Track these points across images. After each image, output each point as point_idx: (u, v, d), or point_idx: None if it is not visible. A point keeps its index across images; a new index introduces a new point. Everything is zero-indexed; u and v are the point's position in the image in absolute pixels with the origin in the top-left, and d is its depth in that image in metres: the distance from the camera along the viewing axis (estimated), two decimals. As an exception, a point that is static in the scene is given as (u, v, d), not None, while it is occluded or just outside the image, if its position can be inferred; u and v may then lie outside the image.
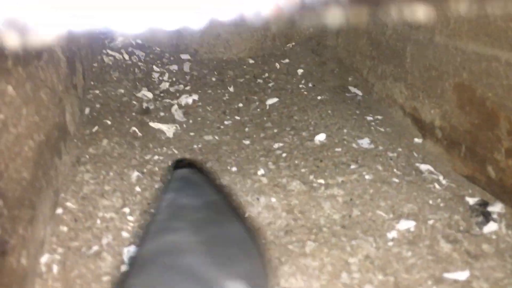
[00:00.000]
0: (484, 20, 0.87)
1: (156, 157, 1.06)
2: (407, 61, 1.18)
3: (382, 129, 1.22)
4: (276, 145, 1.15)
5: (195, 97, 1.39)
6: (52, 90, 0.84)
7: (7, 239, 0.56)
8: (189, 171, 0.81)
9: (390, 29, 1.28)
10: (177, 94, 1.40)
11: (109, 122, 1.13)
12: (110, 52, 1.43)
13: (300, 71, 1.57)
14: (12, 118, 0.62)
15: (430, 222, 0.82)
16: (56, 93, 0.88)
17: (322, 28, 1.70)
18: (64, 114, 0.93)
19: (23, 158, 0.64)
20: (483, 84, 0.89)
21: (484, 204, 0.87)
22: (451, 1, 0.96)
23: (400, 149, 1.10)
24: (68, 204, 0.82)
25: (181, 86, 1.46)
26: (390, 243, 0.78)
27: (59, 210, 0.80)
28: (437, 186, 0.95)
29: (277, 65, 1.61)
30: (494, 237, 0.79)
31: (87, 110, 1.17)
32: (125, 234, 0.79)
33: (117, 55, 1.44)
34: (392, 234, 0.80)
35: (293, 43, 1.71)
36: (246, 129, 1.26)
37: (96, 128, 1.08)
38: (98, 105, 1.21)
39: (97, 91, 1.26)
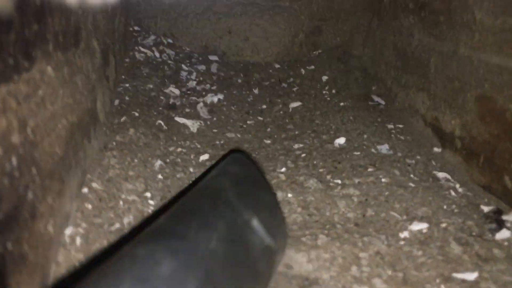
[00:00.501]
0: (509, 34, 0.89)
1: (179, 149, 1.10)
2: (430, 71, 1.20)
3: (402, 137, 1.23)
4: (296, 146, 1.18)
5: (221, 96, 1.43)
6: (86, 77, 0.89)
7: (37, 205, 0.59)
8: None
9: (416, 40, 1.30)
10: (203, 93, 1.44)
11: (136, 114, 1.18)
12: (142, 49, 1.49)
13: (324, 77, 1.60)
14: (50, 96, 0.66)
15: (443, 225, 0.83)
16: (90, 81, 0.92)
17: (349, 37, 1.73)
18: (95, 101, 0.98)
19: (56, 135, 0.68)
20: (504, 95, 0.90)
21: (498, 212, 0.88)
22: (477, 15, 0.98)
23: (418, 157, 1.12)
24: (94, 184, 0.86)
25: (208, 85, 1.50)
26: (402, 242, 0.80)
27: (85, 189, 0.84)
28: (453, 193, 0.96)
29: (303, 71, 1.64)
30: (506, 243, 0.79)
31: (116, 102, 1.22)
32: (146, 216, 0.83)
33: (149, 52, 1.50)
34: (404, 234, 0.82)
35: (320, 51, 1.74)
36: (268, 129, 1.29)
37: (124, 118, 1.13)
38: (127, 98, 1.25)
39: (127, 85, 1.31)
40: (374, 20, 1.63)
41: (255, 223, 0.58)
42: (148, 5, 1.61)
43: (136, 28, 1.56)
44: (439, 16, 1.16)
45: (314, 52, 1.74)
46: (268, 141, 1.22)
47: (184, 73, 1.52)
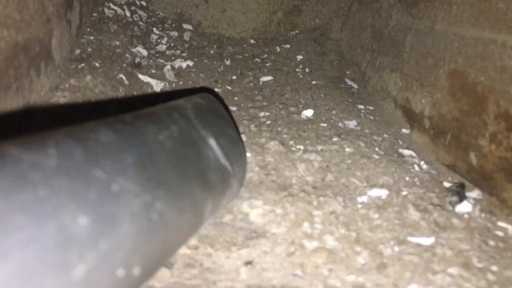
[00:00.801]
0: (486, 4, 0.86)
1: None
2: (405, 50, 1.17)
3: (371, 117, 1.20)
4: (262, 114, 1.13)
5: (190, 63, 1.37)
6: (40, 3, 0.82)
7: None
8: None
9: (393, 21, 1.27)
10: (172, 58, 1.38)
11: (97, 65, 1.11)
12: (112, 5, 1.42)
13: (299, 57, 1.56)
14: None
15: (403, 193, 0.80)
16: (45, 10, 0.86)
17: (328, 20, 1.70)
18: (50, 36, 0.91)
19: (-7, 45, 0.62)
20: (476, 68, 0.87)
21: (461, 186, 0.85)
22: (457, -13, 0.95)
23: (386, 135, 1.08)
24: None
25: (178, 51, 1.44)
26: (359, 205, 0.75)
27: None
28: (416, 168, 0.93)
29: (278, 48, 1.60)
30: (466, 216, 0.76)
31: (77, 51, 1.15)
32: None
33: (119, 10, 1.43)
34: (362, 199, 0.78)
35: (297, 31, 1.70)
36: (235, 98, 1.24)
37: (82, 65, 1.06)
38: (89, 49, 1.19)
39: (91, 37, 1.24)
40: (354, 3, 1.60)
41: (212, 142, 0.60)
42: (123, -37, 1.54)
43: (108, -15, 1.49)
44: (419, -6, 1.13)
45: (292, 32, 1.70)
46: (234, 108, 1.16)
47: (154, 36, 1.46)
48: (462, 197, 0.80)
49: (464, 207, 0.78)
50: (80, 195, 0.36)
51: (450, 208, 0.78)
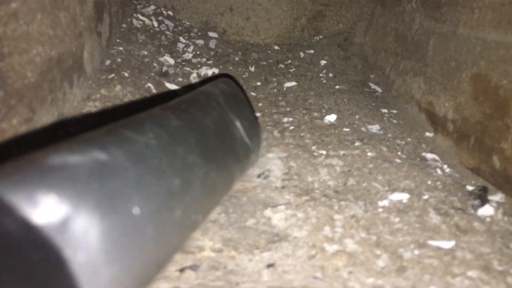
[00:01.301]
0: (508, 8, 0.86)
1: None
2: (428, 54, 1.17)
3: (394, 121, 1.21)
4: (285, 119, 1.15)
5: (215, 70, 1.41)
6: (72, 19, 0.87)
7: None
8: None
9: (416, 24, 1.27)
10: (198, 66, 1.42)
11: (126, 74, 1.15)
12: (140, 16, 1.47)
13: (323, 62, 1.57)
14: (24, 14, 0.64)
15: (425, 197, 0.81)
16: (77, 25, 0.90)
17: (351, 25, 1.71)
18: (82, 50, 0.96)
19: (29, 58, 0.66)
20: (498, 72, 0.87)
21: (484, 189, 0.85)
22: (478, -9, 0.96)
23: (409, 139, 1.09)
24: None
25: (204, 59, 1.48)
26: (380, 209, 0.77)
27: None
28: (439, 171, 0.93)
29: (302, 54, 1.62)
30: (488, 219, 0.76)
31: (107, 62, 1.20)
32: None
33: (147, 21, 1.48)
34: (383, 203, 0.79)
35: (321, 36, 1.72)
36: (260, 104, 1.27)
37: (112, 75, 1.11)
38: (119, 60, 1.23)
39: (121, 48, 1.29)
40: (377, 8, 1.61)
41: (238, 123, 0.74)
42: (150, -26, 1.59)
43: (137, -4, 1.55)
44: (441, -2, 1.13)
45: (315, 38, 1.72)
46: (258, 114, 1.19)
47: (181, 45, 1.50)
48: (484, 201, 0.81)
49: (486, 210, 0.78)
50: (173, 165, 0.51)
51: (472, 211, 0.78)
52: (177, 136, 0.55)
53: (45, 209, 0.35)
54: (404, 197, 0.81)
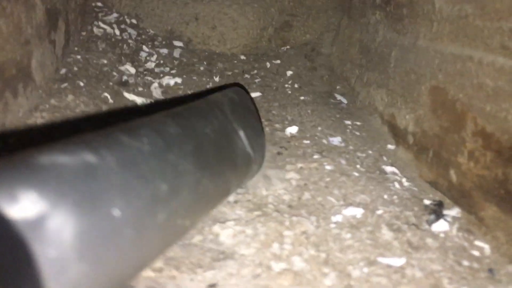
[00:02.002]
0: (464, 21, 0.86)
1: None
2: (391, 66, 1.17)
3: (357, 133, 1.19)
4: (246, 131, 1.13)
5: (178, 80, 1.38)
6: (16, 26, 0.83)
7: None
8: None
9: (380, 36, 1.27)
10: (161, 75, 1.39)
11: (81, 84, 1.12)
12: (101, 24, 1.43)
13: (289, 72, 1.56)
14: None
15: (379, 212, 0.79)
16: (22, 33, 0.86)
17: (319, 35, 1.70)
18: (30, 58, 0.92)
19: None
20: (455, 85, 0.87)
21: (440, 204, 0.83)
22: (437, 4, 0.95)
23: (370, 152, 1.07)
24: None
25: (167, 68, 1.45)
26: (332, 225, 0.74)
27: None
28: (397, 185, 0.91)
29: (268, 64, 1.60)
30: (442, 235, 0.75)
31: (63, 70, 1.16)
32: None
33: (108, 29, 1.44)
34: (336, 218, 0.77)
35: (288, 47, 1.70)
36: (221, 115, 1.24)
37: (65, 85, 1.07)
38: (75, 68, 1.19)
39: (78, 56, 1.25)
40: (344, 18, 1.60)
41: (241, 133, 0.75)
42: (113, -19, 1.56)
43: (98, 4, 1.50)
44: (403, 10, 1.13)
45: (283, 48, 1.71)
46: (219, 125, 1.16)
47: (144, 54, 1.46)
48: (439, 216, 0.79)
49: (441, 225, 0.77)
50: (163, 171, 0.53)
51: (427, 227, 0.77)
52: (172, 143, 0.57)
53: (23, 205, 0.37)
54: (358, 212, 0.78)
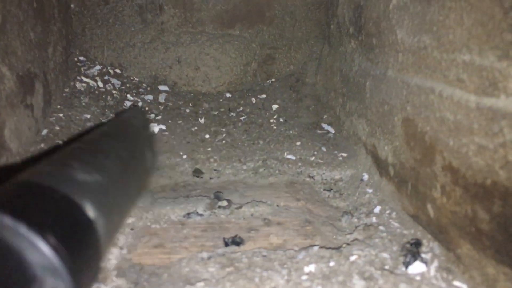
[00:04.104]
0: (424, 52, 0.85)
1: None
2: (367, 96, 1.15)
3: (345, 166, 1.18)
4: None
5: (163, 126, 1.38)
6: (-19, 102, 0.85)
7: None
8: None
9: (356, 65, 1.26)
10: (146, 123, 1.39)
11: (61, 142, 1.13)
12: (84, 78, 1.45)
13: (275, 106, 1.56)
14: None
15: (352, 258, 0.77)
16: (-10, 107, 0.88)
17: (302, 65, 1.70)
18: (2, 128, 0.94)
19: None
20: (422, 118, 0.85)
21: (416, 243, 0.81)
22: (398, 35, 0.94)
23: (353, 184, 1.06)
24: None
25: (152, 115, 1.46)
26: (304, 277, 0.73)
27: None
28: (374, 219, 0.89)
29: (253, 99, 1.60)
30: (418, 278, 0.72)
31: (44, 131, 1.17)
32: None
33: (91, 82, 1.46)
34: (309, 268, 0.75)
35: (273, 79, 1.70)
36: (202, 157, 1.24)
37: (42, 145, 1.08)
38: (57, 128, 1.21)
39: (61, 115, 1.27)
40: (325, 47, 1.60)
41: (146, 151, 0.80)
42: (94, 34, 1.58)
43: (81, 58, 1.53)
44: (372, 39, 1.12)
45: (268, 81, 1.71)
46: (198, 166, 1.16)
47: (128, 103, 1.48)
48: (415, 257, 0.77)
49: (417, 267, 0.74)
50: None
51: (403, 269, 0.75)
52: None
53: None
54: (332, 260, 0.77)
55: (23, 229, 0.38)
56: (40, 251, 0.38)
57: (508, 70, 0.59)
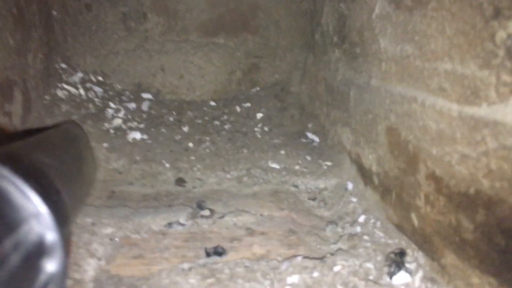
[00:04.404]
0: (406, 61, 0.84)
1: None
2: (351, 105, 1.15)
3: (330, 175, 1.17)
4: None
5: (145, 136, 1.36)
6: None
7: None
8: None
9: (340, 74, 1.26)
10: (127, 132, 1.38)
11: (40, 152, 1.10)
12: (65, 86, 1.43)
13: (259, 115, 1.55)
14: None
15: (336, 268, 0.76)
16: (-35, 114, 0.86)
17: (287, 74, 1.70)
18: (-23, 137, 0.91)
19: None
20: (405, 126, 0.85)
21: (401, 253, 0.80)
22: (381, 43, 0.94)
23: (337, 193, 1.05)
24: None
25: (135, 123, 1.44)
26: (287, 288, 0.72)
27: None
28: (358, 229, 0.89)
29: (238, 108, 1.59)
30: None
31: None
32: None
33: (73, 90, 1.44)
34: (293, 279, 0.74)
35: (258, 88, 1.70)
36: (185, 165, 1.22)
37: (21, 156, 1.05)
38: (37, 136, 1.18)
39: (41, 123, 1.25)
40: (309, 56, 1.60)
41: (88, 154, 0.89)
42: (76, 42, 1.56)
43: (63, 65, 1.51)
44: (356, 48, 1.12)
45: (253, 90, 1.70)
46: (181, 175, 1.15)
47: (110, 111, 1.45)
48: (399, 267, 0.76)
49: (402, 277, 0.74)
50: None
51: (388, 280, 0.74)
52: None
53: None
54: (315, 270, 0.75)
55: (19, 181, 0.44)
56: (29, 199, 0.44)
57: (489, 79, 0.59)
